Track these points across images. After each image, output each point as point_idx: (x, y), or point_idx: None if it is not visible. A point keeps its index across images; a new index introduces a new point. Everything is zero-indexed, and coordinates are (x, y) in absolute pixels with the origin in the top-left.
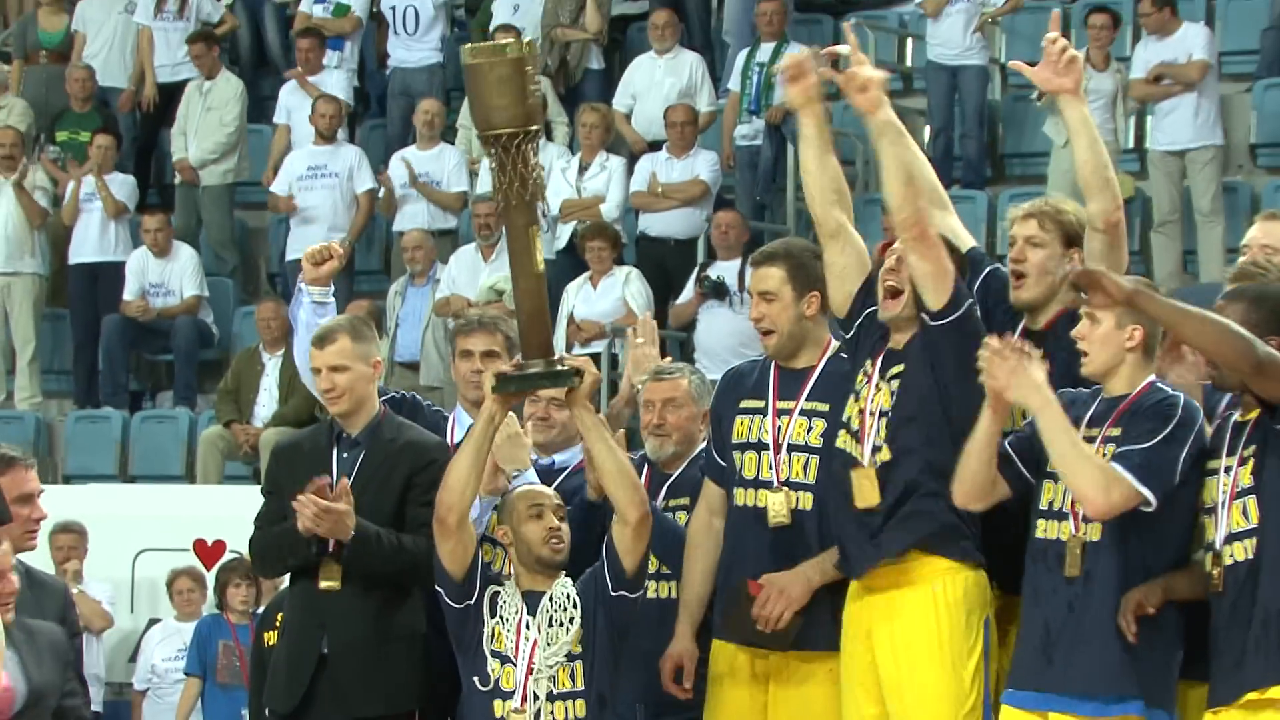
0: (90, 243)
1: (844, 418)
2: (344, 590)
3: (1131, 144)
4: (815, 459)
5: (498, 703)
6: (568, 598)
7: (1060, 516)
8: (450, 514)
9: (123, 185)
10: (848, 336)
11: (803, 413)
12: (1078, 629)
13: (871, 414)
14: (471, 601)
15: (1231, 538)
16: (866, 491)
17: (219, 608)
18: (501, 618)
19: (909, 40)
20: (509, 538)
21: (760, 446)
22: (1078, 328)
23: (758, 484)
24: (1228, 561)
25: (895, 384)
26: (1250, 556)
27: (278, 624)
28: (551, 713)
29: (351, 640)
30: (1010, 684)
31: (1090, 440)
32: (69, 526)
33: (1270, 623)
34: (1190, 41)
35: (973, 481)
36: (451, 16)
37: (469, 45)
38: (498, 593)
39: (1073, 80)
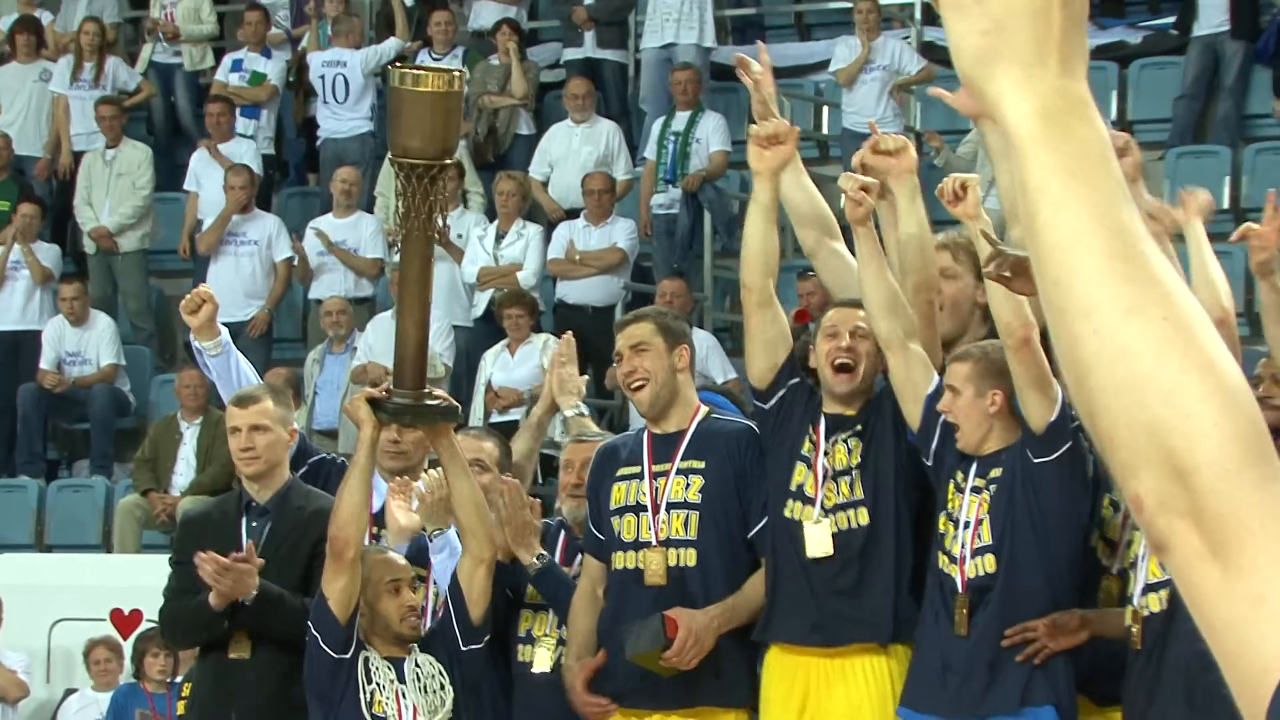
0: (13, 311)
1: (791, 485)
2: (253, 659)
3: None
4: (695, 514)
5: None
6: (433, 664)
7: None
8: (347, 548)
9: (48, 254)
10: (765, 406)
11: (679, 471)
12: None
13: (828, 477)
14: (348, 656)
15: (1148, 589)
16: (821, 544)
17: (136, 677)
18: (377, 684)
19: (824, 109)
20: (363, 608)
21: (639, 509)
22: (943, 400)
23: (638, 545)
24: (1144, 614)
25: (854, 446)
26: (1164, 607)
27: (185, 694)
28: None
29: (259, 711)
30: None
31: (981, 490)
32: None
33: (1180, 675)
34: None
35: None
36: (377, 87)
37: (398, 67)
38: (368, 657)
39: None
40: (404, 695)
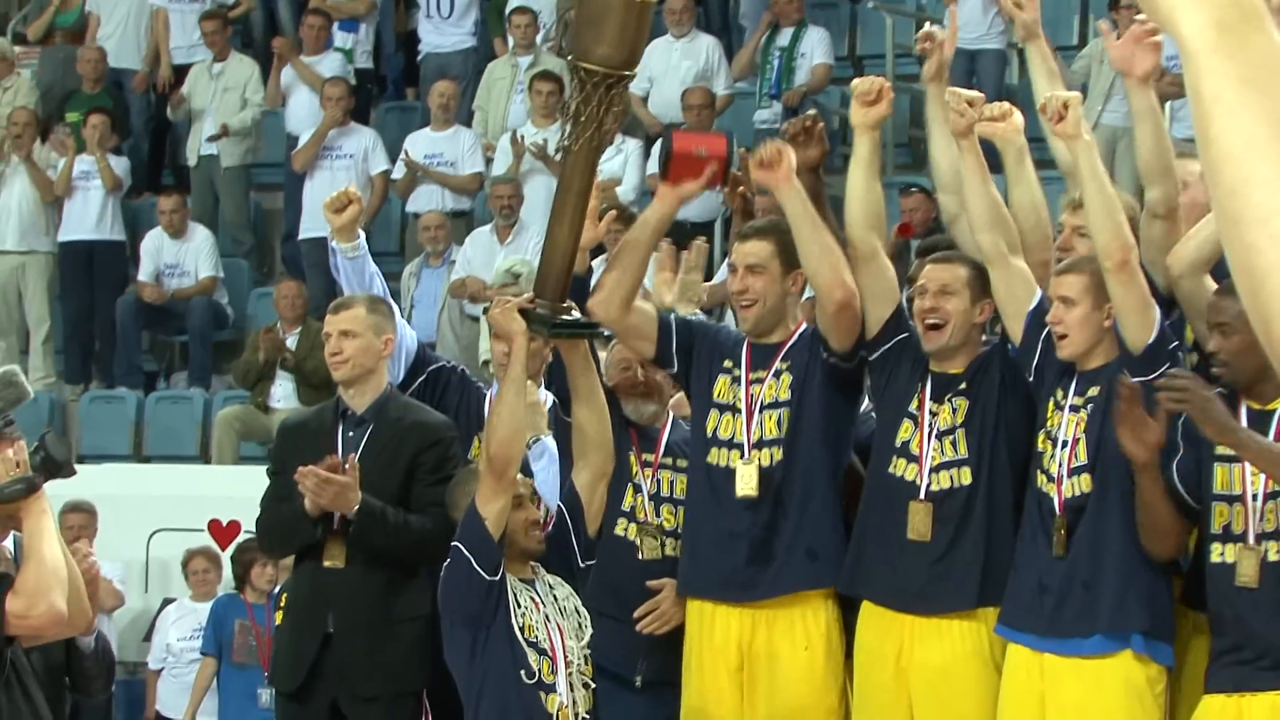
0: (87, 221)
1: (896, 442)
2: (349, 569)
3: None
4: (787, 410)
5: (547, 697)
6: (563, 585)
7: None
8: (509, 466)
9: (118, 164)
10: (871, 358)
11: (775, 374)
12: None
13: (933, 434)
14: (498, 578)
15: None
16: (919, 527)
17: (237, 587)
18: (524, 606)
19: (927, 23)
20: None
21: (734, 410)
22: (1052, 312)
23: (731, 444)
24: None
25: (959, 405)
26: None
27: (283, 604)
28: (576, 703)
29: (356, 619)
30: None
31: (1079, 408)
32: (79, 506)
33: None
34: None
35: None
36: (481, 1)
37: None
38: (509, 580)
39: (1150, 64)
40: (549, 618)
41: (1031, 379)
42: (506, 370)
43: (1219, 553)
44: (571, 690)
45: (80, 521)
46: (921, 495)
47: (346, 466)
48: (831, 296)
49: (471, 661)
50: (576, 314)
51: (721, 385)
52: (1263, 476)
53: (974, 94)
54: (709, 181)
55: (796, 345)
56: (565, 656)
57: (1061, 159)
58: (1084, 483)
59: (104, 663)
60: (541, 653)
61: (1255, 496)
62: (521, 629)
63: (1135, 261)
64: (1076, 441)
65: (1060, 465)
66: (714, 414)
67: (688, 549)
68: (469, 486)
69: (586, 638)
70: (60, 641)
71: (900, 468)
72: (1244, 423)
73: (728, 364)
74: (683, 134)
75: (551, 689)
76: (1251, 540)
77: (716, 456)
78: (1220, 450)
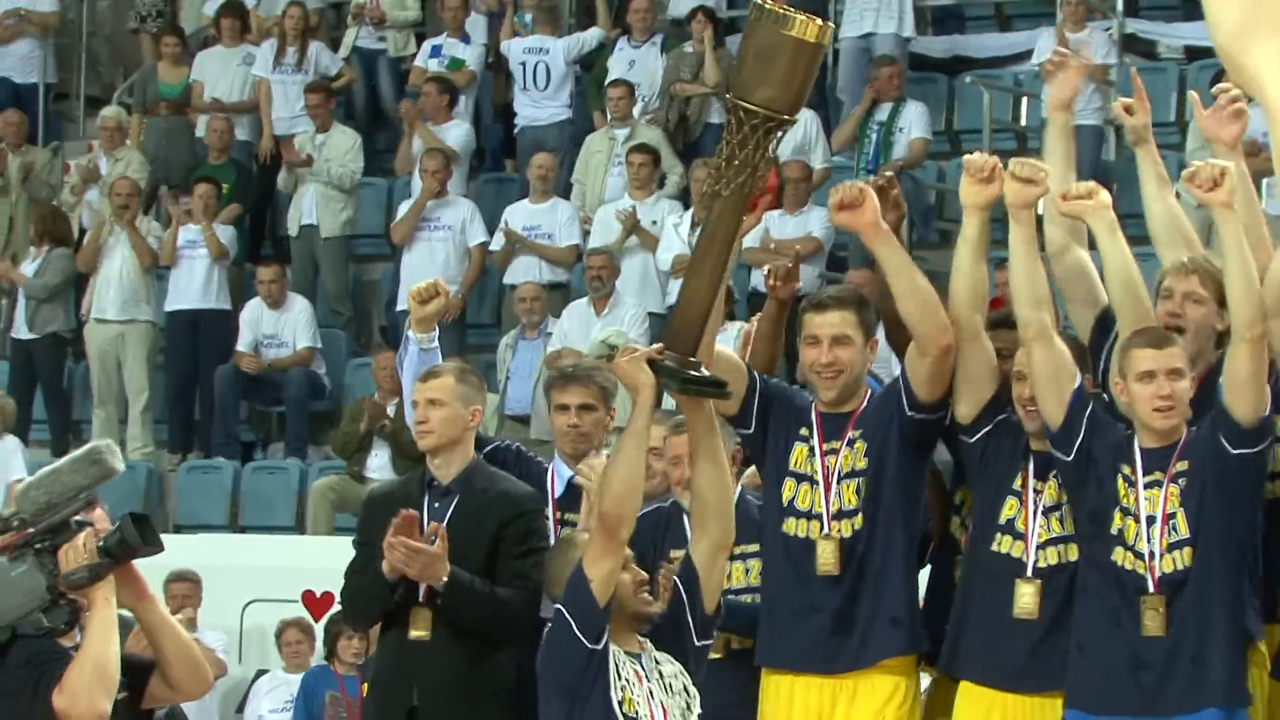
0: (194, 290)
1: (1000, 519)
2: (434, 641)
3: None
4: (864, 480)
5: None
6: (671, 662)
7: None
8: (621, 525)
9: (223, 233)
10: (970, 441)
11: (849, 443)
12: None
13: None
14: (600, 647)
15: None
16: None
17: (327, 659)
18: (626, 679)
19: (1024, 99)
20: None
21: (811, 480)
22: (1156, 385)
23: (810, 515)
24: None
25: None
26: None
27: (370, 676)
28: None
29: (440, 692)
30: None
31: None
32: (184, 575)
33: None
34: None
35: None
36: (576, 75)
37: (764, 2)
38: (614, 651)
39: (1236, 132)
40: (652, 695)
41: (1071, 459)
42: (630, 424)
43: None
44: None
45: (184, 591)
46: (1029, 572)
47: (435, 538)
48: (937, 342)
49: None
50: (705, 371)
51: (799, 454)
52: None
53: (1039, 166)
54: (759, 212)
55: (867, 412)
56: None
57: (1053, 239)
58: (1185, 557)
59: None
60: None
61: None
62: (620, 703)
63: (1266, 335)
64: (1171, 516)
65: (1151, 541)
66: (790, 483)
67: (766, 620)
68: (568, 556)
69: (694, 718)
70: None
71: (1005, 544)
72: None
73: (804, 432)
74: None
75: None
76: None
77: (795, 528)
78: None
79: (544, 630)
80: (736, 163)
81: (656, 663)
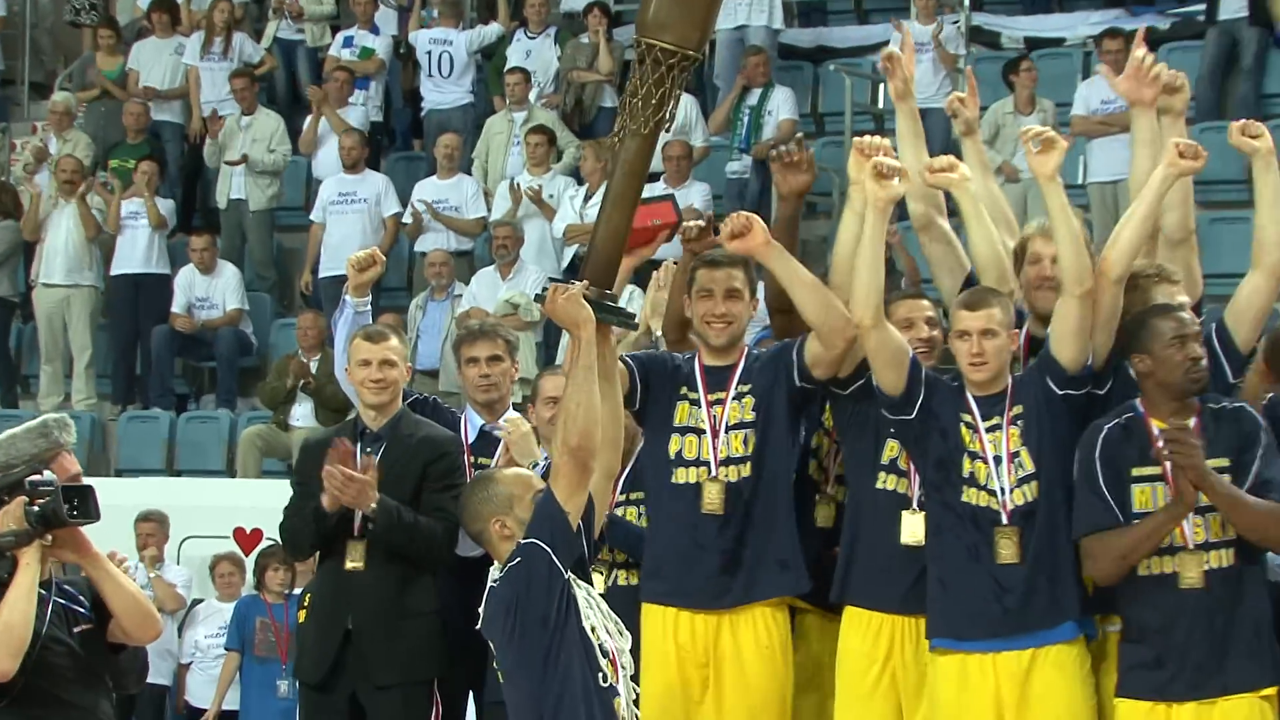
0: (135, 257)
1: (883, 460)
2: (367, 570)
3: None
4: (753, 431)
5: (616, 701)
6: (591, 588)
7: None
8: (591, 456)
9: (163, 206)
10: (910, 418)
11: (735, 397)
12: None
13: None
14: (567, 576)
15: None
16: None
17: (257, 589)
18: (583, 604)
19: (880, 85)
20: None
21: (698, 432)
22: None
23: (698, 463)
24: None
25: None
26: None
27: (306, 603)
28: (630, 705)
29: (373, 616)
30: None
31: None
32: (149, 515)
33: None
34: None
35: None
36: (478, 64)
37: None
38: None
39: (1153, 93)
40: (606, 627)
41: (914, 417)
42: (578, 359)
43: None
44: (626, 694)
45: (149, 530)
46: (914, 505)
47: (364, 464)
48: (842, 335)
49: (546, 667)
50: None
51: (682, 410)
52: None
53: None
54: (659, 244)
55: (753, 370)
56: (619, 658)
57: (916, 213)
58: (1032, 490)
59: (136, 661)
60: (604, 654)
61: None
62: (592, 629)
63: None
64: (1015, 454)
65: (1001, 479)
66: (675, 438)
67: (652, 562)
68: (488, 492)
69: (629, 640)
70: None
71: (891, 483)
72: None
73: (684, 390)
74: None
75: (616, 692)
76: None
77: (683, 476)
78: (1136, 473)
79: (463, 563)
80: (654, 101)
81: (580, 586)
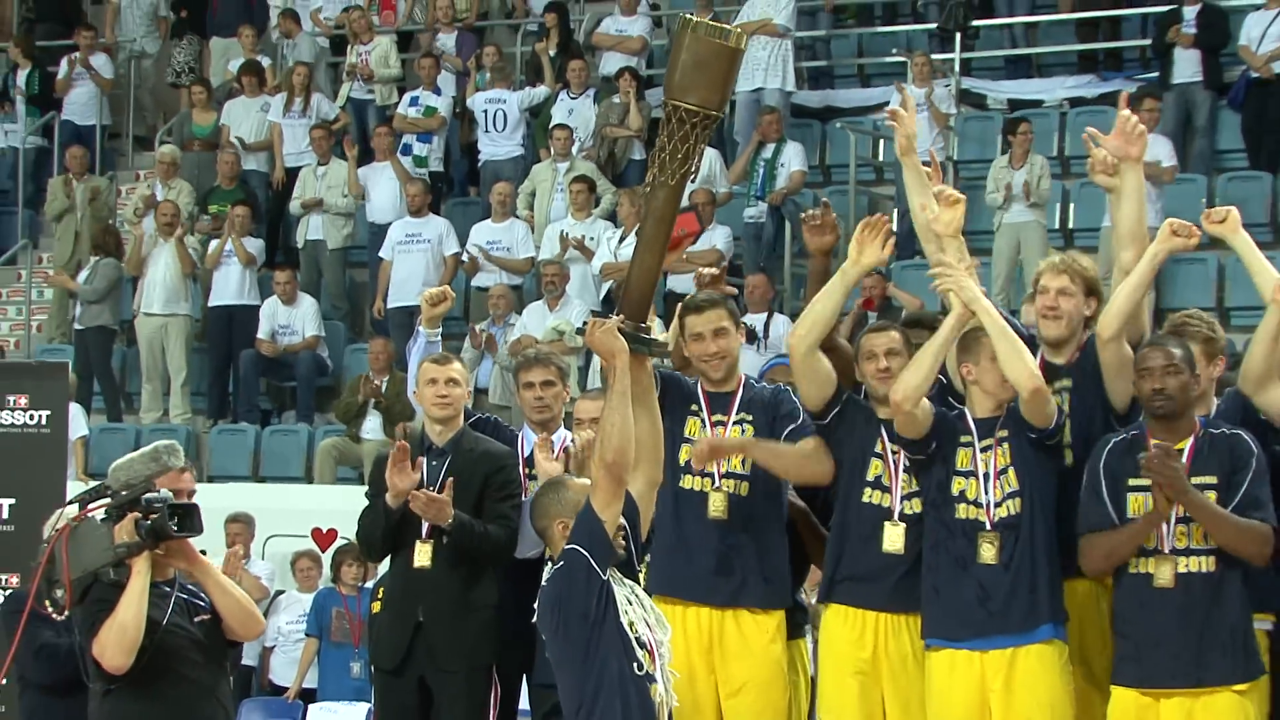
0: (228, 290)
1: (869, 477)
2: (434, 569)
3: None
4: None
5: (650, 687)
6: (635, 585)
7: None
8: (625, 471)
9: (253, 245)
10: (825, 423)
11: (735, 423)
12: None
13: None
14: (607, 577)
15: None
16: (894, 540)
17: (333, 582)
18: (624, 601)
19: (881, 141)
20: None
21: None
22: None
23: (703, 475)
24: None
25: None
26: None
27: (379, 596)
28: (669, 691)
29: (441, 609)
30: None
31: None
32: (238, 517)
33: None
34: (1161, 145)
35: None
36: (527, 121)
37: (694, 20)
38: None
39: (1139, 149)
40: (644, 620)
41: (925, 456)
42: (614, 385)
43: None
44: (664, 680)
45: (237, 530)
46: (895, 518)
47: (444, 488)
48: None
49: (586, 658)
50: (653, 334)
51: (692, 425)
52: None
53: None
54: (684, 249)
55: (754, 401)
56: (658, 649)
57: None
58: (1016, 505)
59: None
60: (642, 645)
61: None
62: (630, 624)
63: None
64: (1003, 471)
65: (988, 493)
66: (686, 448)
67: (659, 557)
68: (558, 495)
69: (669, 631)
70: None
71: (875, 497)
72: None
73: (694, 407)
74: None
75: (653, 679)
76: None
77: (690, 483)
78: (1134, 483)
79: (519, 563)
80: (679, 156)
81: (624, 585)
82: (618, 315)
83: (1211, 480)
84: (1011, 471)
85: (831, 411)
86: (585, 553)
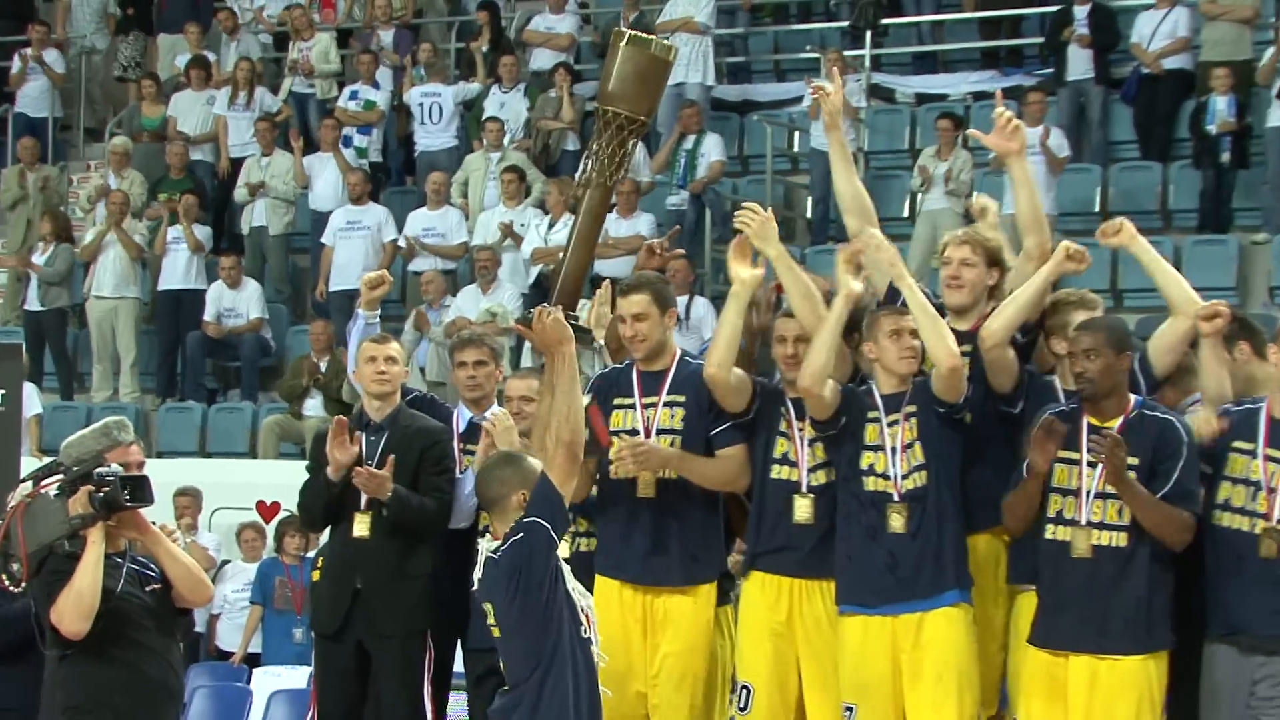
0: (176, 275)
1: (776, 455)
2: (371, 539)
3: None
4: (679, 439)
5: (591, 648)
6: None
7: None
8: (580, 448)
9: (202, 233)
10: (749, 419)
11: (665, 404)
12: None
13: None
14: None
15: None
16: (804, 511)
17: (276, 552)
18: (565, 571)
19: (796, 133)
20: None
21: (632, 433)
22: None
23: None
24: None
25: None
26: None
27: (319, 565)
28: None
29: (378, 576)
30: None
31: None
32: (185, 490)
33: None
34: (1055, 136)
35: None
36: (461, 114)
37: (628, 30)
38: None
39: (1019, 144)
40: (573, 578)
41: (836, 432)
42: (564, 370)
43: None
44: (596, 642)
45: (185, 502)
46: (804, 489)
47: (385, 465)
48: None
49: (545, 623)
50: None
51: (617, 417)
52: (1096, 476)
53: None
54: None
55: (685, 379)
56: (590, 613)
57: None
58: (922, 477)
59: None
60: (582, 611)
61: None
62: (571, 590)
63: (959, 366)
64: (909, 445)
65: (896, 467)
66: (616, 440)
67: (600, 537)
68: (518, 467)
69: (590, 599)
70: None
71: (784, 473)
72: (1085, 434)
73: (619, 400)
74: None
75: (591, 641)
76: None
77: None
78: (1062, 454)
79: (452, 533)
80: (615, 159)
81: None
82: (555, 305)
83: (1133, 461)
84: (918, 445)
85: (753, 407)
86: (546, 524)
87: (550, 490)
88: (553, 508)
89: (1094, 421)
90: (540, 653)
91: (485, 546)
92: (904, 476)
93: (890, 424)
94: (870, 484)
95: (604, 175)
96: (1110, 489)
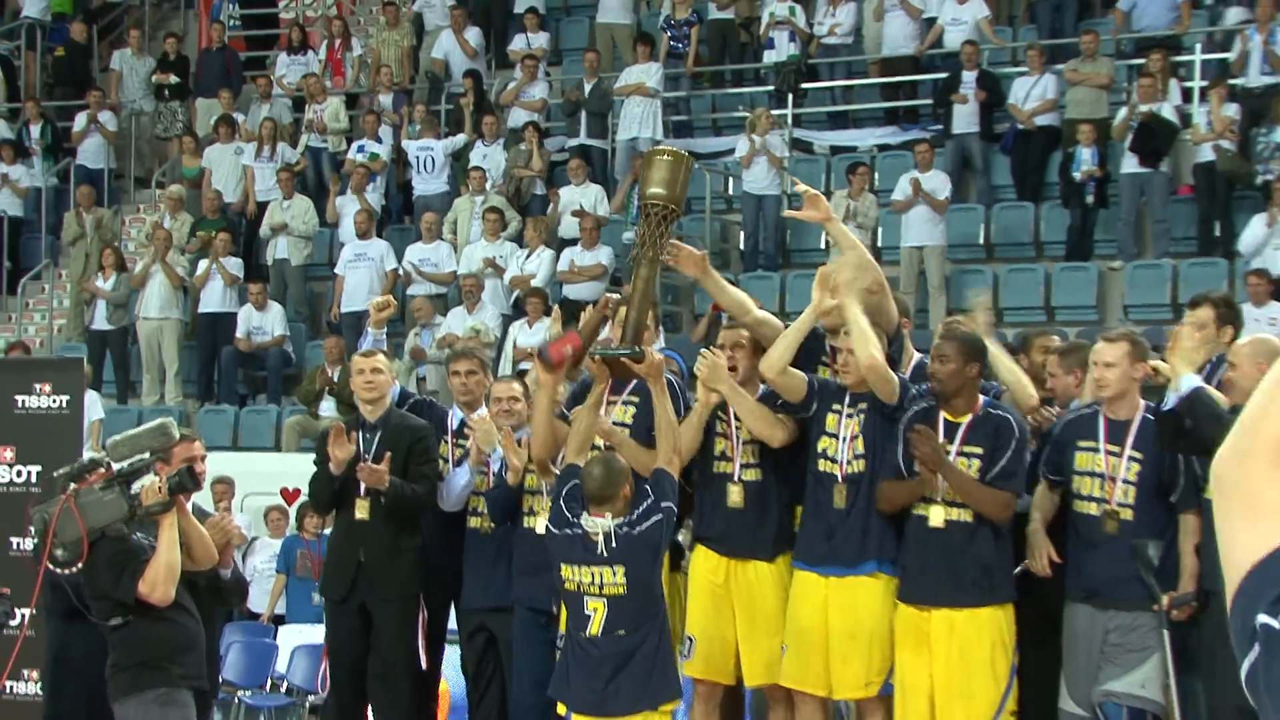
0: (213, 300)
1: (716, 452)
2: (371, 520)
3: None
4: (628, 430)
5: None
6: None
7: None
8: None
9: (234, 264)
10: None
11: (624, 403)
12: None
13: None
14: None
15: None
16: (736, 497)
17: (298, 530)
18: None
19: (730, 179)
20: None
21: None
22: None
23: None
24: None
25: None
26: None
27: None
28: None
29: (378, 550)
30: None
31: (852, 415)
32: (222, 479)
33: None
34: (939, 180)
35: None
36: (451, 164)
37: (658, 147)
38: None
39: (821, 212)
40: None
41: (816, 409)
42: (663, 392)
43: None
44: None
45: (222, 489)
46: (735, 479)
47: (382, 462)
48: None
49: (660, 576)
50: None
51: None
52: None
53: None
54: (574, 364)
55: (640, 386)
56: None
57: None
58: (861, 465)
59: (238, 586)
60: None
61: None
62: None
63: (881, 367)
64: (855, 437)
65: (842, 454)
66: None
67: None
68: (625, 466)
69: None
70: (208, 573)
71: (721, 467)
72: (941, 428)
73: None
74: (553, 345)
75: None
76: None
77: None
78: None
79: (442, 513)
80: (660, 239)
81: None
82: (633, 344)
83: (978, 451)
84: (861, 437)
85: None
86: (675, 508)
87: (674, 483)
88: (676, 497)
89: (949, 417)
90: (660, 597)
91: (601, 524)
92: (847, 462)
93: (847, 416)
94: (823, 465)
95: (654, 252)
96: None
